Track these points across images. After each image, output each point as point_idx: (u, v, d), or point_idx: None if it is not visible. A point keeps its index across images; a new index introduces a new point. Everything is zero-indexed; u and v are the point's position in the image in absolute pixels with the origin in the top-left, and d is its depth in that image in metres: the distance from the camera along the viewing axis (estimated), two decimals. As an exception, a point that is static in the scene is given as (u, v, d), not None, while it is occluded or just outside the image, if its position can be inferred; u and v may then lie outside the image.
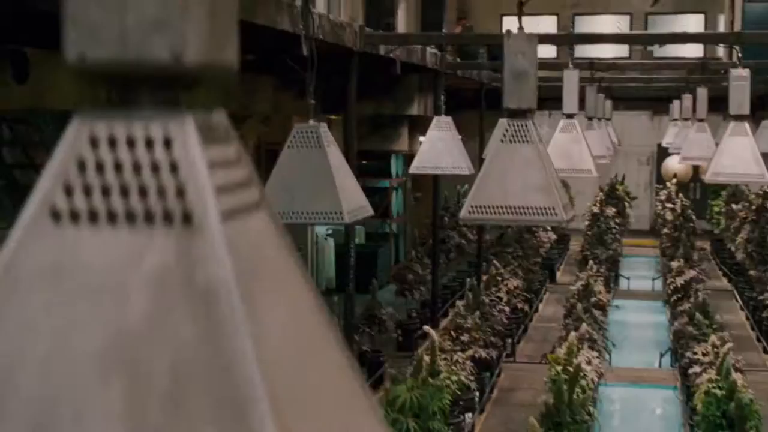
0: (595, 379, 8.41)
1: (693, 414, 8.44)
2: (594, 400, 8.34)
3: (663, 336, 12.43)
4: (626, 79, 15.79)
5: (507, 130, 5.00)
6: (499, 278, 11.43)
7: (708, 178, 7.93)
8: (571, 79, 8.48)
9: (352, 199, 5.21)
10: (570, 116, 8.29)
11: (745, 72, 7.94)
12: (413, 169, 8.48)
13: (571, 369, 7.35)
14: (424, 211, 16.25)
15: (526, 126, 5.00)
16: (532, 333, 12.74)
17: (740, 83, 7.91)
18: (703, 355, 8.40)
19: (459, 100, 17.41)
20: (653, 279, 15.54)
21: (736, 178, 7.93)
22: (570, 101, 8.35)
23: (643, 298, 15.16)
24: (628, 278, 15.83)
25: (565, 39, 9.30)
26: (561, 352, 8.02)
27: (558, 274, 16.33)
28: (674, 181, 15.18)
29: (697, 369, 8.20)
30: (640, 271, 16.41)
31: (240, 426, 0.96)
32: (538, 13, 16.81)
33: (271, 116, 12.70)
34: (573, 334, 7.95)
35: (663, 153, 20.42)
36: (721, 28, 19.69)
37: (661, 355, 11.50)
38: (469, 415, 9.10)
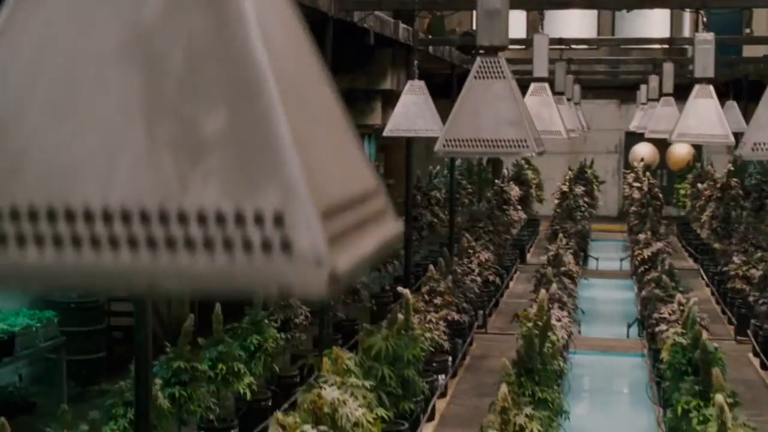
0: (565, 336, 8.59)
1: (659, 367, 8.65)
2: (564, 357, 8.51)
3: (631, 310, 12.66)
4: (593, 61, 16.01)
5: (480, 67, 5.16)
6: (471, 251, 11.60)
7: (674, 138, 8.14)
8: (540, 44, 8.62)
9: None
10: (540, 80, 8.45)
11: (710, 36, 8.13)
12: (387, 132, 8.59)
13: (541, 324, 7.51)
14: (397, 195, 16.39)
15: (498, 62, 5.15)
16: (503, 308, 12.93)
17: (705, 47, 8.10)
18: (670, 314, 8.61)
19: (430, 88, 17.58)
20: (621, 259, 15.83)
21: (702, 139, 8.11)
22: (540, 65, 8.49)
23: (611, 277, 15.45)
24: (596, 258, 16.11)
25: (535, 3, 9.49)
26: (532, 312, 8.17)
27: (528, 256, 16.57)
28: (642, 162, 15.45)
29: (663, 327, 8.40)
30: (608, 253, 16.68)
31: (250, 104, 1.09)
32: (509, 0, 17.00)
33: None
34: (543, 292, 8.11)
35: (630, 141, 20.72)
36: (687, 16, 19.99)
37: (629, 326, 11.73)
38: (442, 377, 9.25)
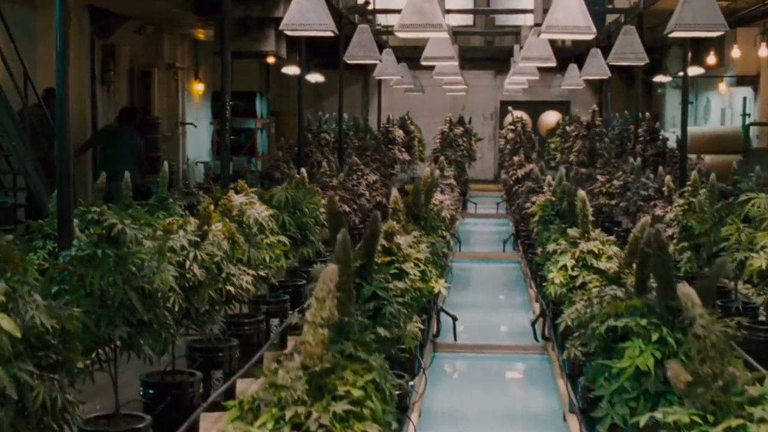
0: (448, 216, 9.40)
1: (531, 253, 9.55)
2: (450, 234, 9.31)
3: (507, 236, 13.65)
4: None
5: None
6: (360, 172, 12.36)
7: (543, 31, 9.09)
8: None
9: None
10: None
11: (574, -57, 9.12)
12: (283, 27, 9.21)
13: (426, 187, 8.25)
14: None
15: None
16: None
17: (570, -51, 9.10)
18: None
19: (316, 50, 18.39)
20: (497, 203, 16.95)
21: (567, 32, 9.05)
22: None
23: (489, 218, 16.58)
24: (475, 203, 17.20)
25: None
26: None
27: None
28: (517, 114, 16.55)
29: (534, 209, 9.28)
30: (486, 204, 17.77)
31: None
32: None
33: (145, 25, 13.29)
34: (428, 169, 8.87)
35: (505, 109, 21.92)
36: None
37: (504, 242, 12.70)
38: (334, 264, 9.91)
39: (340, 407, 3.01)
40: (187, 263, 5.36)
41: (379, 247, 5.37)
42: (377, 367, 3.58)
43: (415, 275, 5.61)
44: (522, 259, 11.47)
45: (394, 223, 5.78)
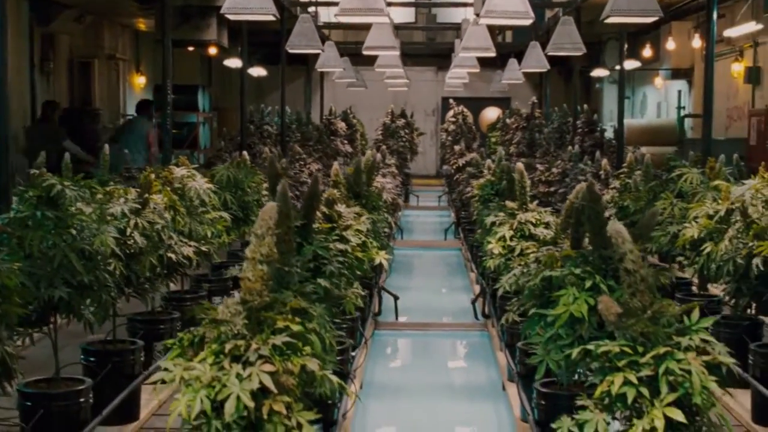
0: (389, 199, 9.48)
1: (472, 238, 9.66)
2: (394, 222, 9.40)
3: (448, 225, 13.78)
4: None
5: None
6: (302, 162, 12.38)
7: (482, 16, 9.23)
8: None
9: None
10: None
11: (514, -69, 9.28)
12: (224, 11, 9.23)
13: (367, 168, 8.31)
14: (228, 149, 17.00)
15: None
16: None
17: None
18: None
19: (265, 52, 18.42)
20: (439, 196, 17.11)
21: (506, 17, 9.19)
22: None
23: (431, 209, 16.73)
24: (417, 196, 17.35)
25: None
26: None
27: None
28: (459, 108, 16.67)
29: (474, 191, 9.40)
30: (428, 197, 17.93)
31: None
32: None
33: (84, 13, 13.16)
34: (369, 152, 8.92)
35: (447, 106, 22.14)
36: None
37: (446, 231, 12.82)
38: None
39: (279, 339, 3.05)
40: (128, 230, 5.36)
41: (319, 214, 5.42)
42: (317, 316, 3.63)
43: (356, 244, 5.66)
44: (463, 246, 11.60)
45: (336, 191, 5.82)
